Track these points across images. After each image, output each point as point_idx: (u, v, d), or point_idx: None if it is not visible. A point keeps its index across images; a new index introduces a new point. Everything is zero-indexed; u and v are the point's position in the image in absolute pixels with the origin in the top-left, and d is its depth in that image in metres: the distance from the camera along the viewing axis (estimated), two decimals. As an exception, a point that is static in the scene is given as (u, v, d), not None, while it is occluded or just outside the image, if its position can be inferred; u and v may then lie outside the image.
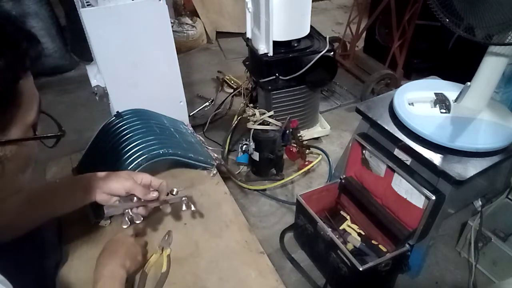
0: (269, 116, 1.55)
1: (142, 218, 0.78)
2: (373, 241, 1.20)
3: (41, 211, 0.76)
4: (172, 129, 1.20)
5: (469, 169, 0.93)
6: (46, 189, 0.80)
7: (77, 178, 0.79)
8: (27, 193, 0.76)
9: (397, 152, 1.07)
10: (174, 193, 0.85)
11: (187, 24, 2.71)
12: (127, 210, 0.77)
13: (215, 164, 1.15)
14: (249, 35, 1.65)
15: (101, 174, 0.80)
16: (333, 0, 3.62)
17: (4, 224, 0.69)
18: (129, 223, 0.76)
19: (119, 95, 1.30)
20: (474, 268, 1.17)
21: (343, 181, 1.27)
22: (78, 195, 0.77)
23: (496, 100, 1.17)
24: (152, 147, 1.02)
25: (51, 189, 0.80)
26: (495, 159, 0.96)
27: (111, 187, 0.77)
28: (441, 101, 1.10)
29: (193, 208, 0.86)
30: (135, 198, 0.78)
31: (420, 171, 1.01)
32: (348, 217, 1.30)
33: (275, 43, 1.48)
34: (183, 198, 0.84)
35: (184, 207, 0.84)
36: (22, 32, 0.45)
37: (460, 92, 1.08)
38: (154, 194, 0.79)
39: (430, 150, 0.99)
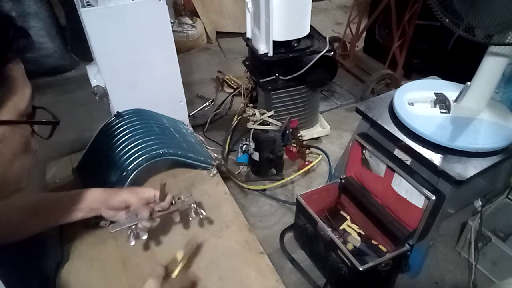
0: (269, 116, 1.55)
1: (147, 233, 0.78)
2: (373, 241, 1.20)
3: (44, 221, 0.77)
4: (172, 129, 1.20)
5: (469, 169, 0.93)
6: (50, 199, 0.80)
7: (81, 192, 0.80)
8: (30, 201, 0.77)
9: (397, 152, 1.07)
10: (181, 199, 0.84)
11: (187, 24, 2.71)
12: (133, 226, 0.77)
13: (215, 164, 1.15)
14: (249, 35, 1.65)
15: (104, 190, 0.81)
16: (333, 0, 3.62)
17: (7, 230, 0.69)
18: (134, 241, 0.76)
19: (119, 95, 1.30)
20: (474, 268, 1.17)
21: (343, 181, 1.26)
22: (82, 209, 0.79)
23: (496, 100, 1.17)
24: (152, 147, 1.02)
25: (55, 200, 0.80)
26: (495, 159, 0.96)
27: (113, 203, 0.79)
28: (441, 101, 1.10)
29: (202, 214, 0.85)
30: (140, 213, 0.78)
31: (420, 171, 1.01)
32: (348, 217, 1.30)
33: (275, 43, 1.48)
34: (192, 205, 0.83)
35: (193, 215, 0.84)
36: (12, 23, 0.47)
37: (460, 92, 1.08)
38: (158, 208, 0.79)
39: (430, 150, 0.99)
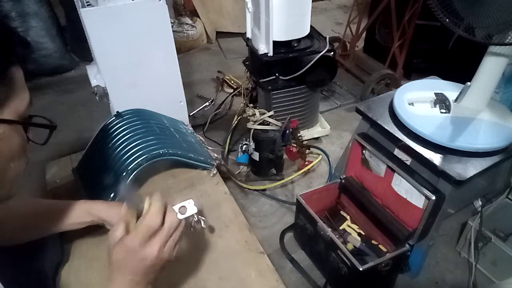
0: (269, 116, 1.55)
1: None
2: (373, 241, 1.20)
3: (47, 228, 0.78)
4: (172, 129, 1.20)
5: (469, 169, 0.93)
6: (54, 208, 0.80)
7: (87, 207, 0.80)
8: (35, 206, 0.79)
9: (397, 152, 1.07)
10: (185, 205, 0.82)
11: (187, 24, 2.71)
12: None
13: (215, 164, 1.15)
14: (249, 35, 1.65)
15: (108, 207, 0.81)
16: (333, 0, 3.62)
17: (8, 237, 0.70)
18: None
19: (119, 95, 1.30)
20: (474, 268, 1.17)
21: (343, 181, 1.27)
22: (86, 222, 0.80)
23: (496, 100, 1.17)
24: (152, 147, 1.02)
25: (59, 210, 0.80)
26: (495, 159, 0.96)
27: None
28: (441, 101, 1.10)
29: (203, 225, 0.82)
30: None
31: (420, 171, 1.01)
32: (348, 217, 1.30)
33: (275, 43, 1.48)
34: (194, 215, 0.81)
35: (196, 226, 0.81)
36: (14, 31, 0.49)
37: (460, 92, 1.08)
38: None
39: (430, 150, 0.99)
